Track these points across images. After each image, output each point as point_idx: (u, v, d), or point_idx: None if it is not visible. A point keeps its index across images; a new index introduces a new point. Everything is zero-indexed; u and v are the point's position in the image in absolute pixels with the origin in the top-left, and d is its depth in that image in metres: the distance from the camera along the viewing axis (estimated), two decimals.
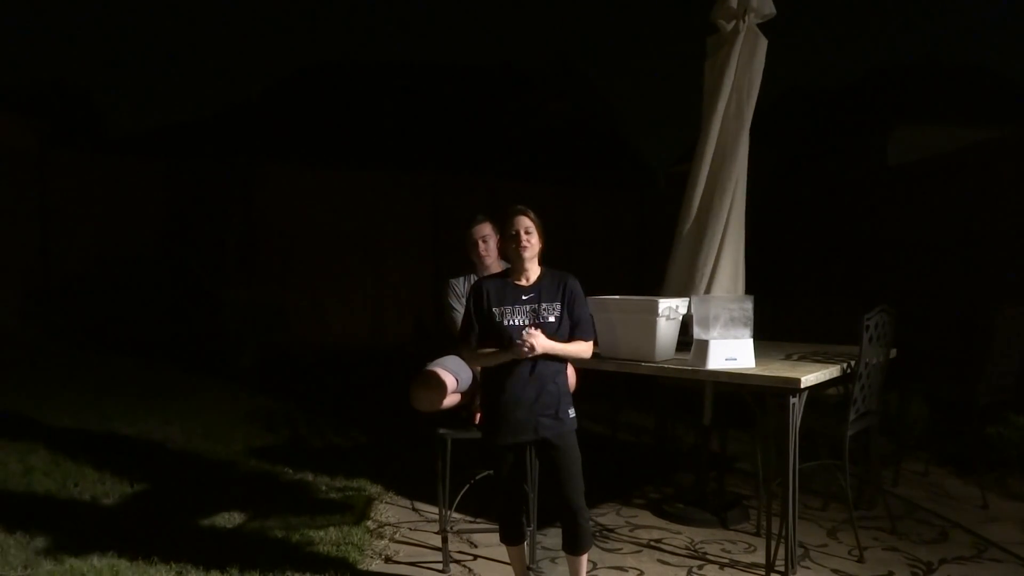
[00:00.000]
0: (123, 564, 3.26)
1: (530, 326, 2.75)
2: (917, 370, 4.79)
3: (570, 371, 3.13)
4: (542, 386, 2.75)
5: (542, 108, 21.11)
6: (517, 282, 2.85)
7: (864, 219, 7.80)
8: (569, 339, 2.81)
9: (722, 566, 3.41)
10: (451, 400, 3.40)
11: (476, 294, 2.86)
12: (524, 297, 2.80)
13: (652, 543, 3.69)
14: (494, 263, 3.55)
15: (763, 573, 3.25)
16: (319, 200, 9.18)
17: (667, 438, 5.55)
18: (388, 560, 3.49)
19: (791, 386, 2.99)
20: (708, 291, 3.81)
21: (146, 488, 4.36)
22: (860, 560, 3.42)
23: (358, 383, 7.32)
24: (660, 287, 3.99)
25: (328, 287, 9.15)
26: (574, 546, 2.80)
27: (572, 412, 2.82)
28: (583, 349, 2.86)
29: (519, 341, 2.70)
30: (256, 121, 19.55)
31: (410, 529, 3.90)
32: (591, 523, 3.12)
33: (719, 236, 3.86)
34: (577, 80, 22.26)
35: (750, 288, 3.85)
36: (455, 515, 3.66)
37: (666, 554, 3.56)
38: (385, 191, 9.57)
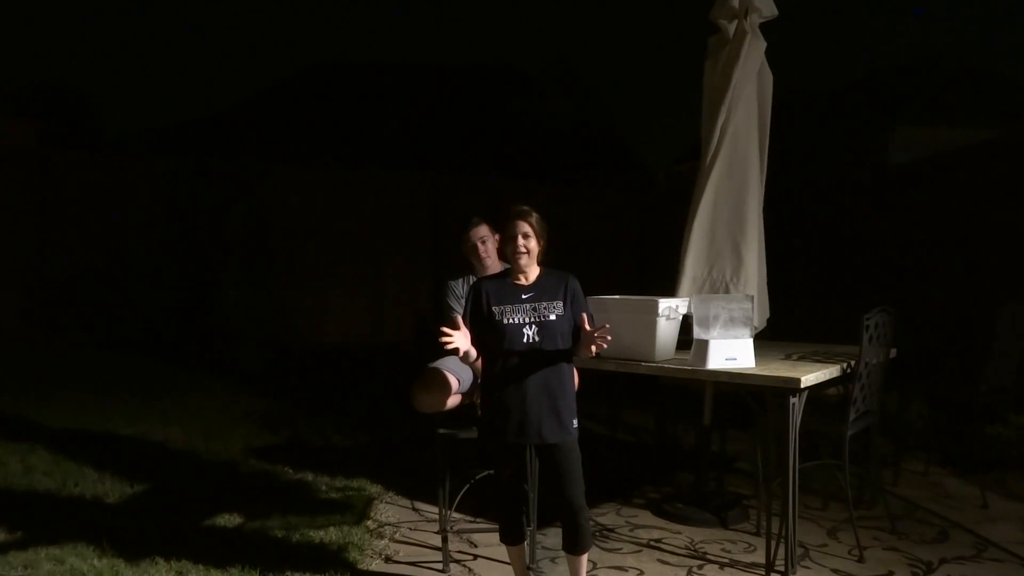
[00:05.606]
0: (123, 564, 3.26)
1: (533, 323, 2.74)
2: (917, 370, 4.79)
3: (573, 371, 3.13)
4: (546, 391, 2.74)
5: (542, 108, 21.11)
6: (516, 281, 2.85)
7: (864, 219, 7.80)
8: (572, 339, 2.81)
9: (722, 566, 3.41)
10: (453, 401, 3.40)
11: (475, 295, 2.85)
12: (524, 296, 2.80)
13: (652, 543, 3.69)
14: (494, 264, 3.54)
15: (763, 573, 3.25)
16: (320, 200, 9.18)
17: (667, 438, 5.55)
18: (388, 560, 3.49)
19: (791, 386, 2.99)
20: (735, 288, 3.78)
21: (146, 488, 4.36)
22: (860, 560, 3.42)
23: (358, 383, 7.32)
24: (670, 285, 3.95)
25: (328, 286, 9.15)
26: (574, 546, 2.80)
27: (576, 423, 2.81)
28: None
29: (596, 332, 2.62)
30: (257, 121, 19.56)
31: (410, 529, 3.90)
32: (591, 523, 3.12)
33: (753, 232, 3.84)
34: (577, 80, 22.26)
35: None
36: (455, 515, 3.66)
37: (666, 554, 3.55)
38: (385, 191, 9.57)
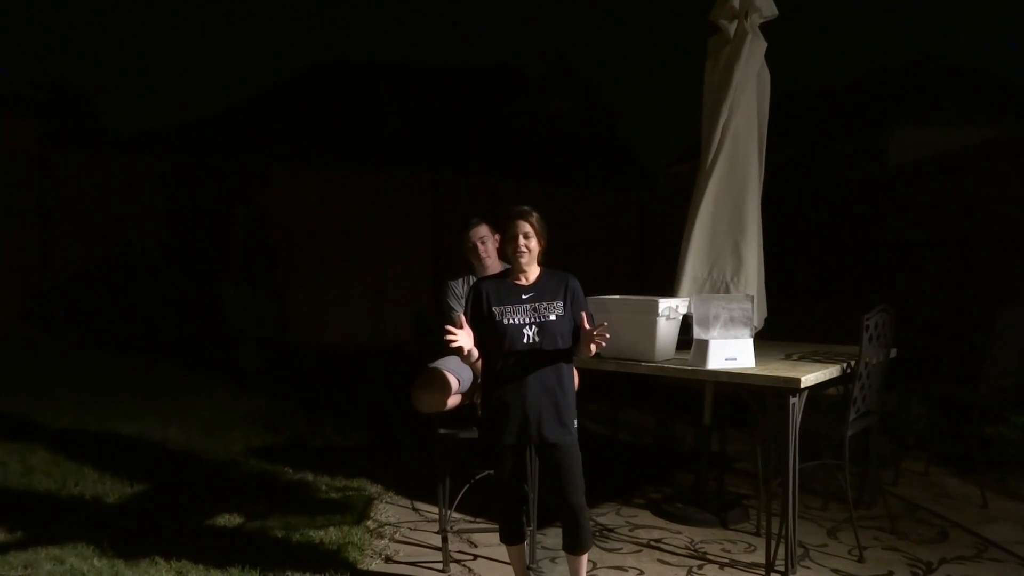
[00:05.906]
0: (123, 564, 3.26)
1: (533, 324, 2.75)
2: (917, 370, 4.79)
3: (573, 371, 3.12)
4: (546, 391, 2.74)
5: (542, 108, 21.13)
6: (517, 281, 2.85)
7: (864, 219, 7.80)
8: (572, 339, 2.81)
9: (722, 566, 3.41)
10: (453, 401, 3.40)
11: (475, 295, 2.85)
12: (524, 296, 2.80)
13: (652, 543, 3.69)
14: (494, 264, 3.54)
15: (763, 573, 3.25)
16: (320, 200, 9.18)
17: (667, 438, 5.55)
18: (388, 560, 3.50)
19: (791, 386, 2.99)
20: (735, 288, 3.78)
21: (146, 488, 4.36)
22: (860, 560, 3.42)
23: (358, 383, 7.32)
24: (670, 285, 3.94)
25: (328, 287, 9.15)
26: (574, 546, 2.80)
27: (576, 423, 2.82)
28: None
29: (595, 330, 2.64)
30: (257, 121, 19.57)
31: (410, 529, 3.90)
32: (591, 523, 3.12)
33: (752, 232, 3.84)
34: (577, 80, 22.26)
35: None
36: (455, 515, 3.66)
37: (666, 554, 3.55)
38: (386, 191, 9.57)
